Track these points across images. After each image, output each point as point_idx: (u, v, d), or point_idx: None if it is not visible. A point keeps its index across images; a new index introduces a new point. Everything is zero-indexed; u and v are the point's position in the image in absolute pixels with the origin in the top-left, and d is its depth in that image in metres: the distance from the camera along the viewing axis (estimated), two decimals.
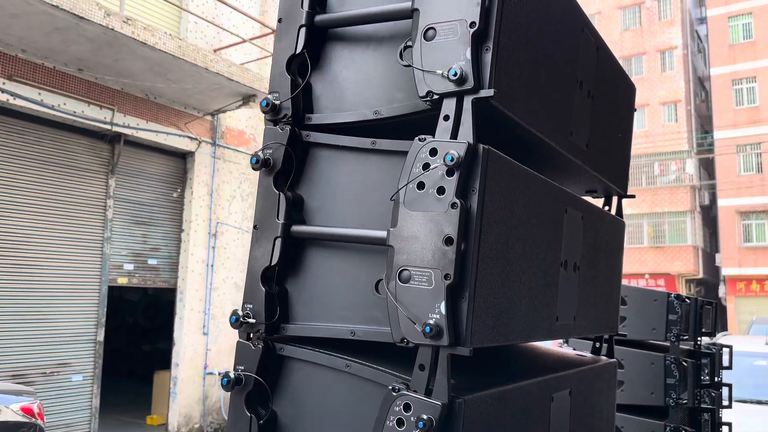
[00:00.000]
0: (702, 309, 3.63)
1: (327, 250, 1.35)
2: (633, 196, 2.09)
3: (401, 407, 1.13)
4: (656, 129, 33.28)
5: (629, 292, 3.12)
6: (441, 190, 1.15)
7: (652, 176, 33.48)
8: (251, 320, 1.32)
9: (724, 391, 5.37)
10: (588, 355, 2.04)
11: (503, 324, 1.25)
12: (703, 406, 3.60)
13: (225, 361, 11.24)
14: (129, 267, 10.23)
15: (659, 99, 32.67)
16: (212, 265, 11.13)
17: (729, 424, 5.30)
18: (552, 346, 3.42)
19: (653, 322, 3.04)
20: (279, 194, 1.34)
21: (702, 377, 4.54)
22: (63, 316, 9.29)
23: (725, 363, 5.41)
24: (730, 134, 30.98)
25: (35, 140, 8.99)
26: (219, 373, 11.11)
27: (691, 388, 2.97)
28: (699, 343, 3.65)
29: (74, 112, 9.06)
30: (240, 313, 1.34)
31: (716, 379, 4.61)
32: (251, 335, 1.35)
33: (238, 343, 1.35)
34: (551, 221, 1.49)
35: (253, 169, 1.34)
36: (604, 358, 2.04)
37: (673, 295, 3.01)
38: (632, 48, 32.83)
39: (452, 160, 1.13)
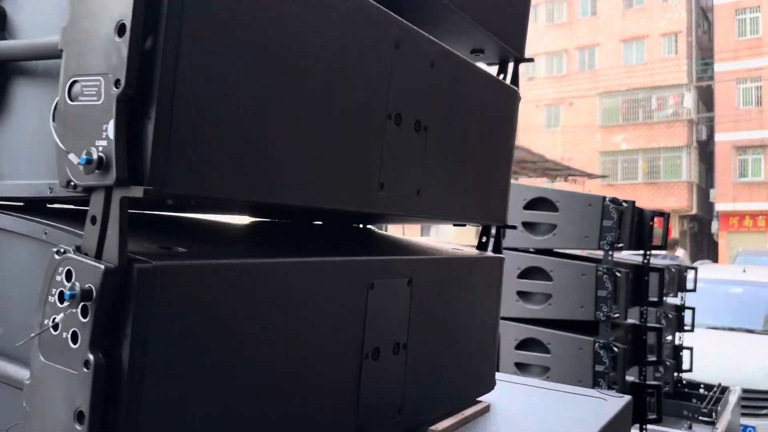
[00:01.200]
0: (653, 220, 3.29)
1: (24, 80, 0.98)
2: (531, 60, 1.71)
3: (63, 276, 0.79)
4: (655, 62, 32.41)
5: (561, 196, 2.78)
6: None
7: (649, 111, 32.83)
8: None
9: (687, 314, 5.12)
10: (465, 248, 1.70)
11: (248, 169, 0.89)
12: (648, 324, 3.32)
13: None
14: None
15: (659, 30, 31.66)
16: None
17: (690, 349, 5.07)
18: None
19: (586, 230, 2.71)
20: None
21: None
22: None
23: (689, 286, 5.14)
24: (730, 66, 30.16)
25: None
26: None
27: (623, 302, 2.67)
28: (648, 257, 3.34)
29: None
30: None
31: (668, 298, 4.33)
32: None
33: None
34: (364, 52, 1.11)
35: None
36: (489, 253, 1.71)
37: (608, 199, 2.66)
38: None
39: None
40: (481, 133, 1.54)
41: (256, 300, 0.93)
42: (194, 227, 1.24)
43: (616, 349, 2.63)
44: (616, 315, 2.65)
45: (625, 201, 2.65)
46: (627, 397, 1.83)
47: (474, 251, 1.69)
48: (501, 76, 1.74)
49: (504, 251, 3.12)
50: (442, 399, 1.46)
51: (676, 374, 5.09)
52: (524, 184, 2.87)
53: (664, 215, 3.38)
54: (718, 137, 30.58)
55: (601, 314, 2.65)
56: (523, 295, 2.86)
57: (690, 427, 4.02)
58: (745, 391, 5.90)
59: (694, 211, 32.02)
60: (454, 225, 1.66)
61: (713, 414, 4.08)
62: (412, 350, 1.31)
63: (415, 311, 1.31)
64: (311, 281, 1.04)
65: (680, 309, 5.06)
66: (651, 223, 3.33)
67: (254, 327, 0.93)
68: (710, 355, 6.40)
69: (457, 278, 1.48)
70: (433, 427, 1.40)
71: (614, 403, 1.76)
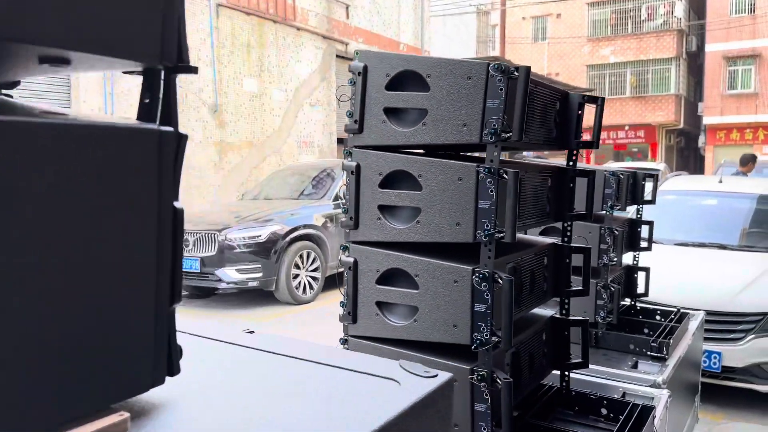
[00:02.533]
0: (582, 107, 2.46)
1: None
2: None
3: None
4: None
5: (433, 68, 1.92)
6: None
7: (639, 21, 31.45)
8: None
9: (644, 230, 4.38)
10: (120, 119, 0.87)
11: None
12: (573, 245, 2.56)
13: None
14: None
15: None
16: (113, 114, 9.78)
17: (646, 270, 4.37)
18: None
19: (464, 114, 1.88)
20: None
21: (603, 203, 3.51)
22: None
23: (647, 196, 4.38)
24: None
25: None
26: None
27: (512, 216, 1.86)
28: (575, 155, 2.53)
29: None
30: None
31: (616, 212, 3.57)
32: None
33: None
34: None
35: None
36: (138, 123, 0.88)
37: (493, 66, 1.82)
38: None
39: None
40: None
41: None
42: None
43: (500, 282, 1.86)
44: (501, 235, 1.86)
45: (518, 68, 1.80)
46: (441, 378, 1.05)
47: (129, 121, 0.86)
48: None
49: (359, 151, 2.28)
50: None
51: (629, 300, 4.41)
52: (384, 51, 2.01)
53: (598, 99, 2.54)
54: (709, 48, 29.41)
55: (482, 234, 1.86)
56: (385, 210, 2.06)
57: (635, 366, 3.35)
58: (711, 313, 5.26)
59: (681, 125, 31.26)
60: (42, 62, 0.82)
61: (663, 348, 3.40)
62: None
63: None
64: None
65: (635, 224, 4.32)
66: (579, 111, 2.50)
67: None
68: (675, 275, 5.73)
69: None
70: None
71: (409, 391, 0.99)
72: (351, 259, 2.12)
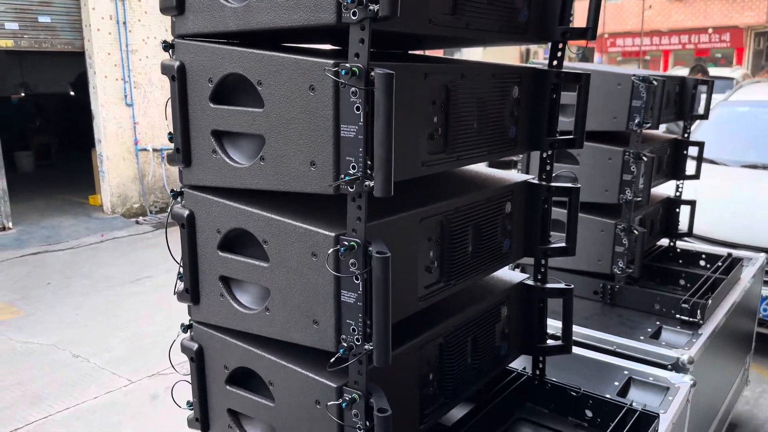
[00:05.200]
0: None
1: None
2: None
3: None
4: None
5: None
6: None
7: None
8: None
9: (691, 154, 3.45)
10: None
11: None
12: (555, 185, 1.76)
13: (159, 135, 9.81)
14: (13, 26, 8.40)
15: None
16: (125, 23, 9.13)
17: (692, 203, 3.48)
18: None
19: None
20: None
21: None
22: None
23: (700, 110, 3.42)
24: None
25: None
26: (153, 150, 9.76)
27: (381, 145, 1.11)
28: (560, 50, 1.68)
29: None
30: None
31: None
32: None
33: None
34: None
35: None
36: None
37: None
38: None
39: None
40: None
41: None
42: None
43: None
44: (370, 183, 1.11)
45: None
46: None
47: None
48: None
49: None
50: None
51: (668, 240, 3.56)
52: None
53: None
54: None
55: (346, 180, 1.12)
56: (223, 138, 1.34)
57: (656, 333, 2.58)
58: None
59: None
60: None
61: (698, 312, 2.60)
62: None
63: None
64: None
65: (681, 145, 3.41)
66: None
67: None
68: (735, 205, 4.76)
69: None
70: None
71: None
72: (185, 212, 1.42)
